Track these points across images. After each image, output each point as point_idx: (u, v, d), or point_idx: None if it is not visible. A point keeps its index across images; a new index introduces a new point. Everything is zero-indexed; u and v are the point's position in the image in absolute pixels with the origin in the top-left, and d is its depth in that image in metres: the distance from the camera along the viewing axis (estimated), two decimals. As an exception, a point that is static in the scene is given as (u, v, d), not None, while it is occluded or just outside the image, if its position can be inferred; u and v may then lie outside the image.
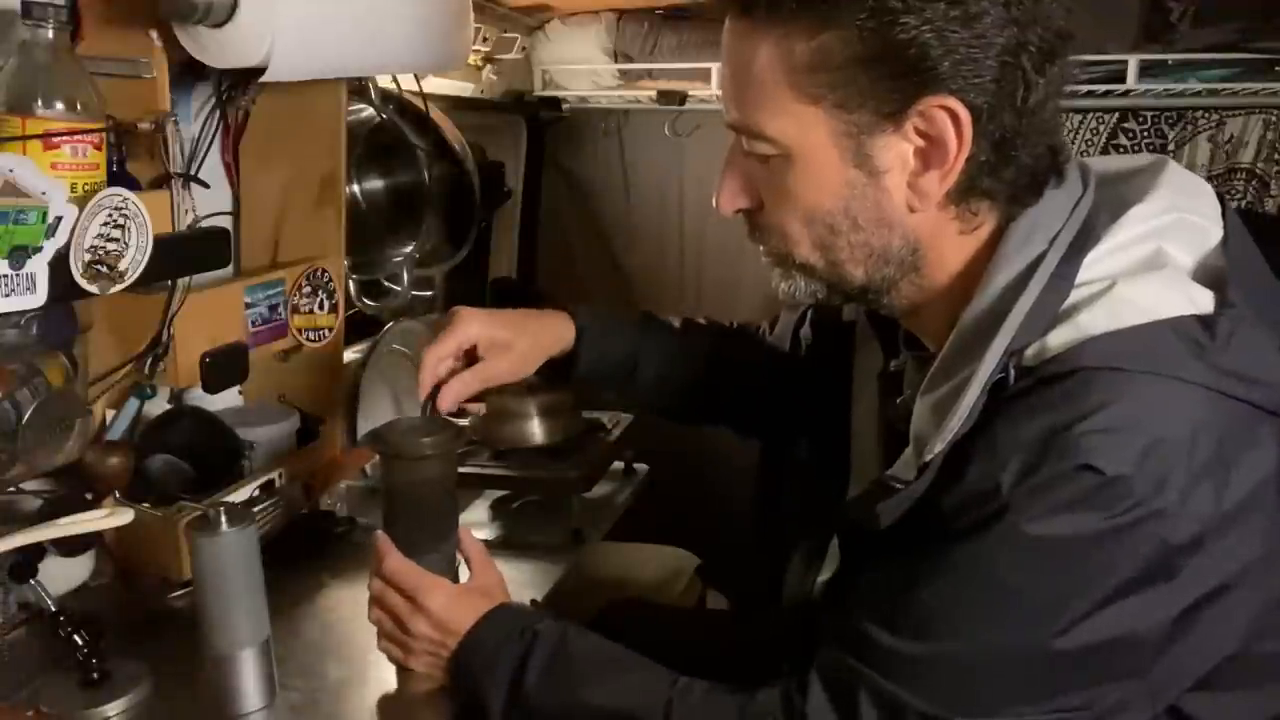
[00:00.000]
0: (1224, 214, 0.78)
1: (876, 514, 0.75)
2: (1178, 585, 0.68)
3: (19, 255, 0.81)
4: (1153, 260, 0.73)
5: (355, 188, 1.56)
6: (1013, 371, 0.72)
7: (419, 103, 1.47)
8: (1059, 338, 0.71)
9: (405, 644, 0.97)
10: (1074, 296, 0.72)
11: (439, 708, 0.97)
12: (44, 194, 0.82)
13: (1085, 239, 0.75)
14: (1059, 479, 0.67)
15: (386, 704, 0.99)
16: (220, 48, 1.01)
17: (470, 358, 1.06)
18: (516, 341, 1.07)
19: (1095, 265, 0.73)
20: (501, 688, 0.88)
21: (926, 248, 0.78)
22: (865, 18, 0.69)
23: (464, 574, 1.05)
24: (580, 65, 2.07)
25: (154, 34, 1.03)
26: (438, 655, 0.95)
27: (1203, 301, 0.71)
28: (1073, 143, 1.93)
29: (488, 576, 1.02)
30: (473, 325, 1.05)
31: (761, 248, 0.84)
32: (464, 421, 1.08)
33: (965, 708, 0.71)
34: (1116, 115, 1.93)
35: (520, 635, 0.90)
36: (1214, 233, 0.77)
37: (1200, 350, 0.69)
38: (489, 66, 1.99)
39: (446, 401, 1.02)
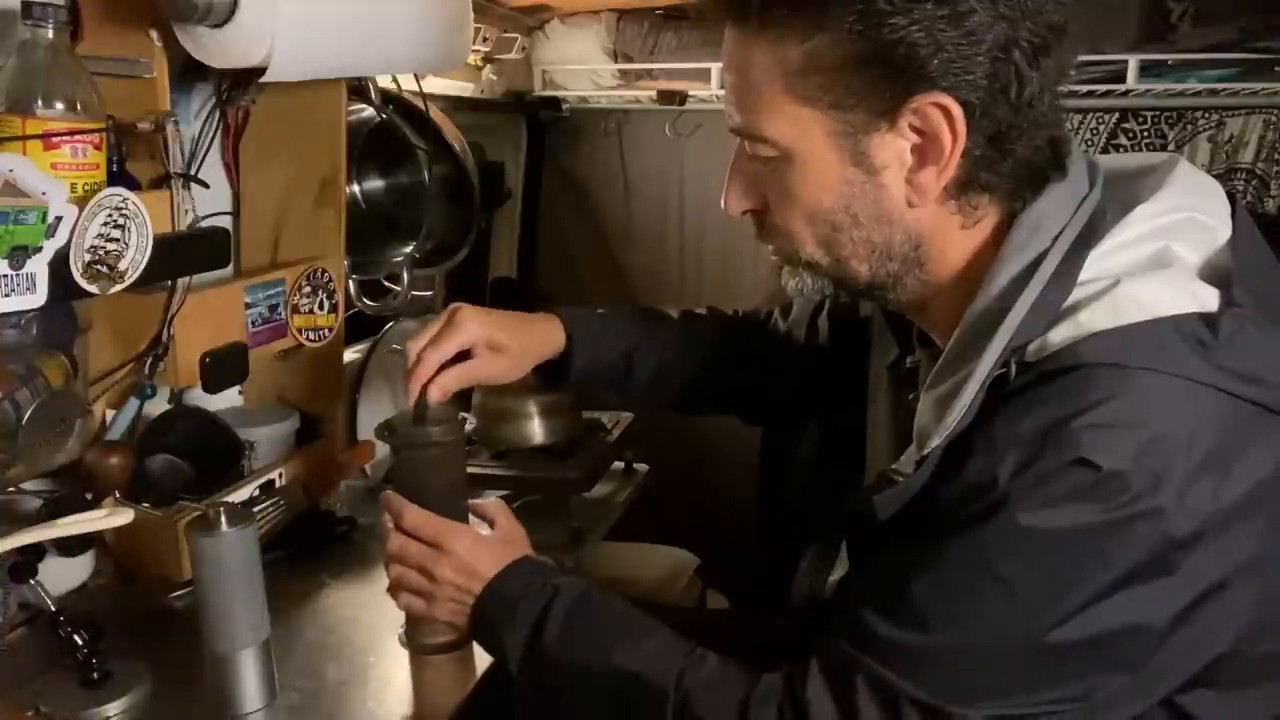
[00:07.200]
0: (1234, 213, 0.78)
1: (874, 505, 0.75)
2: (1175, 581, 0.68)
3: (19, 255, 0.81)
4: (1158, 259, 0.74)
5: (355, 188, 1.56)
6: (1014, 367, 0.72)
7: (419, 103, 1.47)
8: (1060, 334, 0.71)
9: (429, 592, 0.97)
10: (1076, 294, 0.72)
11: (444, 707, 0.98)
12: (44, 194, 0.82)
13: (1089, 236, 0.75)
14: (1056, 472, 0.67)
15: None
16: (220, 48, 1.01)
17: (461, 353, 1.06)
18: (511, 345, 1.07)
19: (1098, 263, 0.73)
20: (520, 638, 0.89)
21: (929, 243, 0.79)
22: (854, 20, 0.70)
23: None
24: (580, 65, 2.07)
25: (154, 34, 1.03)
26: (461, 602, 0.95)
27: (1208, 300, 0.71)
28: (1072, 143, 1.93)
29: (511, 527, 1.02)
30: (473, 326, 1.05)
31: (769, 246, 0.85)
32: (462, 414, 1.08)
33: (960, 697, 0.71)
34: (1116, 115, 1.93)
35: (542, 588, 0.91)
36: (1222, 232, 0.76)
37: (1203, 348, 0.68)
38: (489, 66, 2.00)
39: (433, 395, 1.03)
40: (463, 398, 1.10)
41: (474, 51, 1.86)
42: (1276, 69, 1.70)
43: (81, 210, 0.86)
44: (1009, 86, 0.71)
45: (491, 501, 1.06)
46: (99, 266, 0.89)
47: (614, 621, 0.89)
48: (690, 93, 2.03)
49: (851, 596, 0.79)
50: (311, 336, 1.32)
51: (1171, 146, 1.90)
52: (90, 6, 1.01)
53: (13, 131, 0.85)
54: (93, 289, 0.89)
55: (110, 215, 0.89)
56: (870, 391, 1.02)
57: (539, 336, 1.11)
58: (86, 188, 0.89)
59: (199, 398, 1.27)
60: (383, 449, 1.34)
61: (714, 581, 1.95)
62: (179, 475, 1.22)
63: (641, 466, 1.61)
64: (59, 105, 0.87)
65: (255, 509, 1.17)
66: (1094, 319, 0.70)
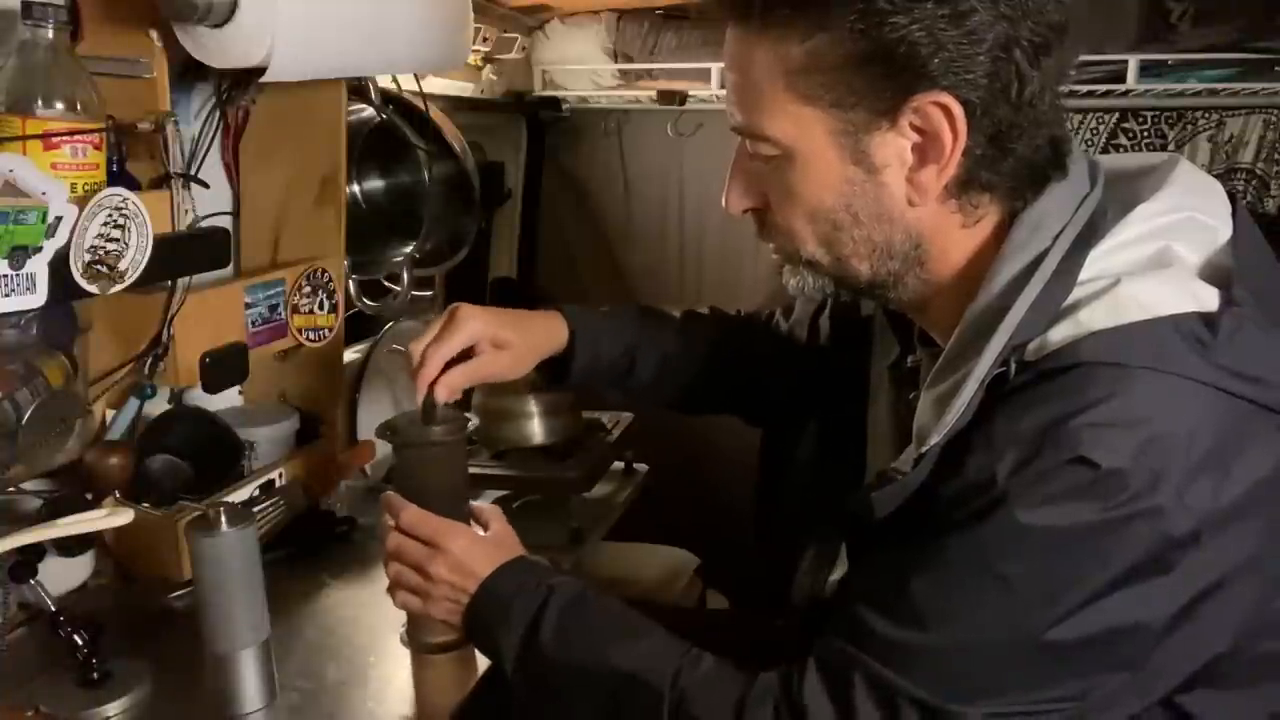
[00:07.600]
0: (1234, 213, 0.78)
1: (872, 503, 0.75)
2: (1174, 580, 0.68)
3: (19, 255, 0.82)
4: (1158, 258, 0.74)
5: (355, 188, 1.56)
6: (1013, 366, 0.72)
7: (419, 103, 1.47)
8: (1060, 333, 0.71)
9: (425, 591, 0.97)
10: (1077, 293, 0.73)
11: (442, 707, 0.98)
12: (44, 194, 0.82)
13: (1090, 236, 0.75)
14: (1054, 470, 0.67)
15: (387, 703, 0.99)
16: (220, 48, 1.02)
17: (464, 353, 1.06)
18: (514, 341, 1.08)
19: (1098, 262, 0.74)
20: (515, 638, 0.89)
21: (929, 242, 0.79)
22: (856, 19, 0.70)
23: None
24: (580, 65, 2.07)
25: (154, 34, 1.03)
26: (457, 601, 0.95)
27: (1208, 299, 0.71)
28: (1072, 143, 1.94)
29: (504, 532, 1.03)
30: (475, 323, 1.05)
31: (770, 245, 0.86)
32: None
33: (959, 696, 0.71)
34: (1116, 115, 1.93)
35: (536, 587, 0.91)
36: (1223, 232, 0.77)
37: (1202, 348, 0.69)
38: (489, 66, 2.00)
39: (441, 394, 1.03)
40: (463, 398, 1.10)
41: (474, 51, 1.86)
42: (1276, 69, 1.70)
43: (81, 210, 0.86)
44: (1010, 86, 0.72)
45: (488, 506, 1.06)
46: (99, 266, 0.89)
47: (610, 622, 0.89)
48: (690, 93, 2.03)
49: (850, 595, 0.79)
50: (311, 336, 1.32)
51: (1171, 146, 1.90)
52: (90, 6, 1.01)
53: (13, 131, 0.85)
54: (93, 289, 0.89)
55: (110, 215, 0.89)
56: (871, 391, 1.02)
57: (541, 332, 1.11)
58: (86, 188, 0.89)
59: (199, 398, 1.27)
60: (383, 449, 1.34)
61: (714, 581, 1.95)
62: (179, 475, 1.22)
63: (641, 466, 1.61)
64: (59, 105, 0.87)
65: (255, 509, 1.17)
66: (1094, 318, 0.70)
